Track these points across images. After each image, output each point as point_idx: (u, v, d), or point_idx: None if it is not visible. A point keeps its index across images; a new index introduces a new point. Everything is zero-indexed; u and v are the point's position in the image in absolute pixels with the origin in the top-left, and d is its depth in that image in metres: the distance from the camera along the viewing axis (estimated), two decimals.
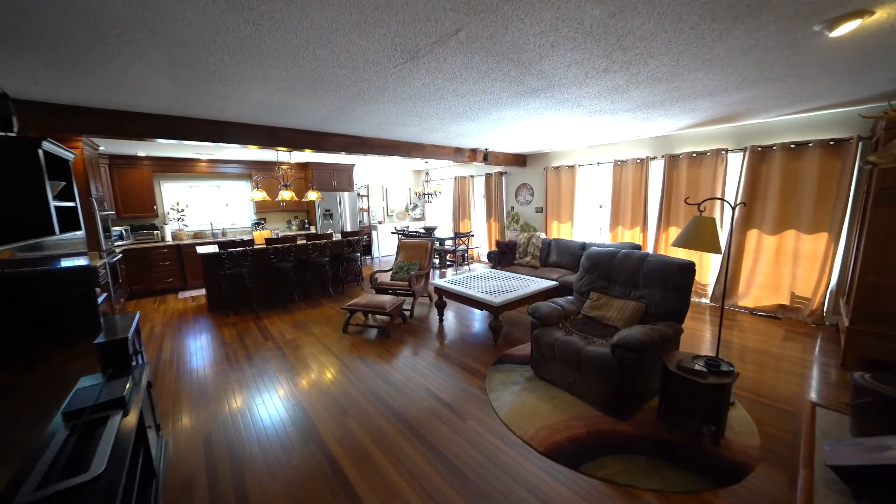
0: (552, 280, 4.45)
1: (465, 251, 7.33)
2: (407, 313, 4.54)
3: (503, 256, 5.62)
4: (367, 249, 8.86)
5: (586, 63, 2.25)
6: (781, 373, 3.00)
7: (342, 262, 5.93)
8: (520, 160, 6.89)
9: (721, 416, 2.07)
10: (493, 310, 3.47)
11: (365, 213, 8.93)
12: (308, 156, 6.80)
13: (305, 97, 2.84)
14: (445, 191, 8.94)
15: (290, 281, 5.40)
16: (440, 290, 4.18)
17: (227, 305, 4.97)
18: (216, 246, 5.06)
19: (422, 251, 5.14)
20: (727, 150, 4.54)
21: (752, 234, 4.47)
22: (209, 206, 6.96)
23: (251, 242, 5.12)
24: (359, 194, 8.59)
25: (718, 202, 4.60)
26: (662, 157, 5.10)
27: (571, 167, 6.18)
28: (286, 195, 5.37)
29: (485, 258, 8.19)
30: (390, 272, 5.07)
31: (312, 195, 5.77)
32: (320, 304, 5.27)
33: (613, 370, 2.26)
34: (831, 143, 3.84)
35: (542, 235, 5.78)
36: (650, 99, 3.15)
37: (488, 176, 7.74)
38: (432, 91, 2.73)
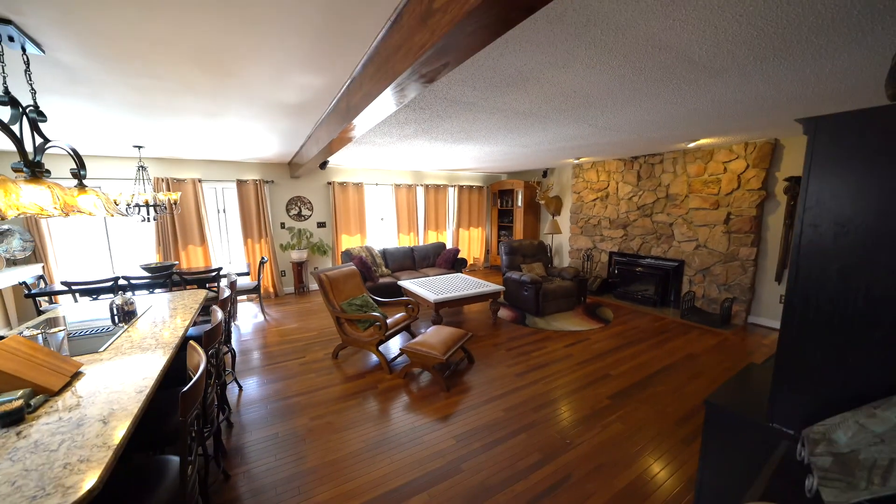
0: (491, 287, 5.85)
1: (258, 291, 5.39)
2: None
3: (367, 273, 5.59)
4: None
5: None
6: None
7: None
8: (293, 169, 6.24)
9: None
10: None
11: None
12: None
13: None
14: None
15: None
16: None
17: None
18: None
19: (354, 278, 4.17)
20: (446, 186, 8.07)
21: (461, 231, 8.47)
22: None
23: None
24: None
25: (446, 217, 8.11)
26: (422, 185, 7.68)
27: (358, 185, 6.91)
28: None
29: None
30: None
31: None
32: None
33: None
34: (478, 187, 8.54)
35: (375, 248, 6.30)
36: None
37: (241, 184, 5.87)
38: None
